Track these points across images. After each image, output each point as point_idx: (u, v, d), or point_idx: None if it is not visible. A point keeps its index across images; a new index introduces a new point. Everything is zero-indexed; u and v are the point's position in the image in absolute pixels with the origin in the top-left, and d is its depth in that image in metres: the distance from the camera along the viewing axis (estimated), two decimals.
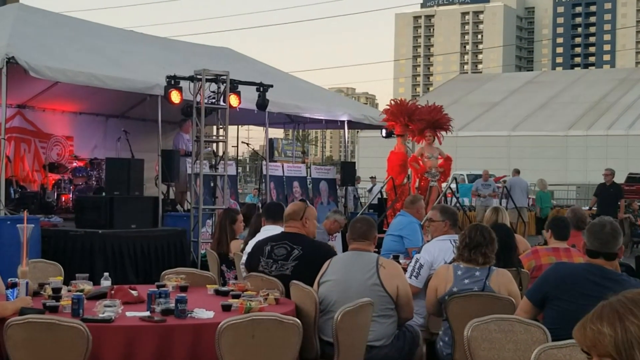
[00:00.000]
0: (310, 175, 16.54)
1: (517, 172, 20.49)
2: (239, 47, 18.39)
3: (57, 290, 4.94)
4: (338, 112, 15.79)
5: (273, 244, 5.77)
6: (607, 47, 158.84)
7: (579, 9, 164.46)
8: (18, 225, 5.03)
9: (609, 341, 1.86)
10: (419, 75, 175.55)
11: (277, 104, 13.25)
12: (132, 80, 11.52)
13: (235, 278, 6.88)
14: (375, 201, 17.28)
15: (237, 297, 5.03)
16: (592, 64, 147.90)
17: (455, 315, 5.16)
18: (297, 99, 14.76)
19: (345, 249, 6.19)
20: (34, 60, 10.06)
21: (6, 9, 15.26)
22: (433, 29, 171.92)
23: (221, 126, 12.01)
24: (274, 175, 15.00)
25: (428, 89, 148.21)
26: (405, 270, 5.96)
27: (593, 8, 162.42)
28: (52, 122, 14.51)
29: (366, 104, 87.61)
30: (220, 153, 12.25)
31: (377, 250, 5.70)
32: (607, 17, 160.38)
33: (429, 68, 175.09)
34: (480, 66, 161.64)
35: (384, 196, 15.95)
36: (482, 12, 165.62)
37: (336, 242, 11.39)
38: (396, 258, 7.10)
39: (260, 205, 11.15)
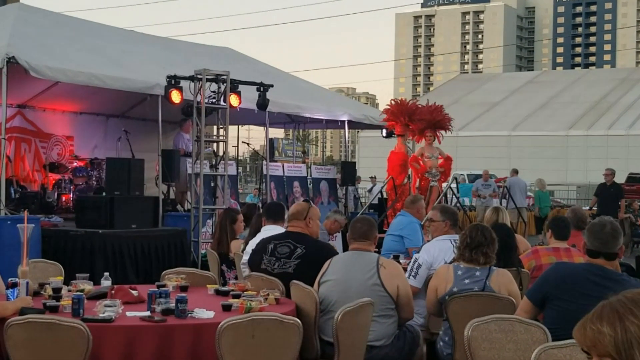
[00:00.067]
0: (311, 175, 16.54)
1: (515, 172, 20.48)
2: (239, 47, 18.38)
3: (57, 290, 4.94)
4: (338, 112, 15.80)
5: (276, 242, 5.80)
6: (607, 47, 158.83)
7: (579, 9, 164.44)
8: (18, 225, 5.03)
9: (608, 341, 1.86)
10: (419, 75, 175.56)
11: (277, 103, 13.25)
12: (132, 80, 11.52)
13: (236, 278, 6.88)
14: (376, 201, 17.28)
15: (237, 297, 5.04)
16: (593, 64, 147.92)
17: (455, 315, 5.16)
18: (297, 99, 14.76)
19: (345, 248, 6.20)
20: (35, 60, 10.06)
21: (6, 8, 15.27)
22: (433, 29, 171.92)
23: (221, 126, 12.01)
24: (275, 175, 15.00)
25: (428, 88, 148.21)
26: (405, 270, 5.96)
27: (593, 8, 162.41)
28: (53, 121, 14.51)
29: (366, 103, 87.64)
30: (221, 153, 12.26)
31: (377, 250, 5.70)
32: (608, 16, 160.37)
33: (429, 68, 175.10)
34: (480, 66, 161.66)
35: (384, 196, 15.95)
36: (482, 11, 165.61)
37: (336, 242, 11.39)
38: (396, 258, 7.10)
39: (260, 205, 11.16)
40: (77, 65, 11.00)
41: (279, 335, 4.34)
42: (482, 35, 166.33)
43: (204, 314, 4.66)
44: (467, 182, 29.70)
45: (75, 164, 14.01)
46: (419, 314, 5.86)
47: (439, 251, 6.19)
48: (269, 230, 6.50)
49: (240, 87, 11.76)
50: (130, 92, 11.99)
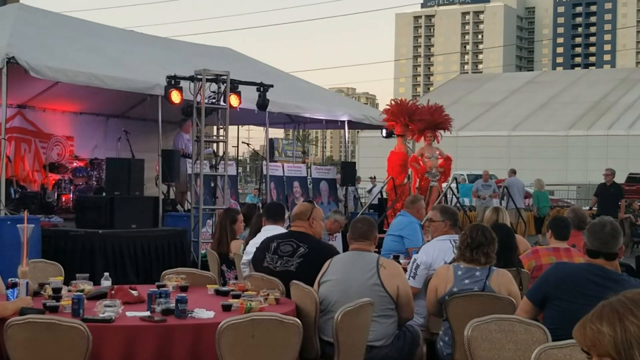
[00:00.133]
0: (311, 175, 16.55)
1: (513, 172, 20.47)
2: (239, 47, 18.37)
3: (57, 290, 4.94)
4: (338, 112, 15.80)
5: (279, 240, 5.83)
6: (607, 47, 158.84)
7: (579, 9, 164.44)
8: (18, 225, 5.03)
9: (608, 341, 1.86)
10: (419, 75, 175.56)
11: (277, 104, 13.25)
12: (132, 80, 11.52)
13: (236, 278, 6.89)
14: (376, 201, 17.28)
15: (237, 297, 5.04)
16: (593, 64, 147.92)
17: (455, 315, 5.16)
18: (297, 99, 14.76)
19: (345, 249, 6.20)
20: (35, 60, 10.06)
21: (6, 8, 15.27)
22: (433, 29, 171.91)
23: (221, 126, 12.01)
24: (274, 175, 15.00)
25: (428, 89, 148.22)
26: (405, 270, 5.96)
27: (593, 8, 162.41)
28: (53, 122, 14.51)
29: (366, 104, 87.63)
30: (221, 153, 12.26)
31: (377, 250, 5.70)
32: (608, 17, 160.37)
33: (429, 68, 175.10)
34: (480, 66, 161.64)
35: (384, 196, 15.95)
36: (482, 12, 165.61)
37: (336, 242, 11.38)
38: (396, 258, 7.10)
39: (260, 206, 11.16)
40: (77, 65, 11.00)
41: (279, 336, 4.34)
42: (482, 36, 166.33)
43: (204, 314, 4.66)
44: (467, 182, 29.69)
45: (75, 164, 14.01)
46: (419, 314, 5.86)
47: (438, 251, 6.19)
48: (269, 230, 6.51)
49: (240, 87, 11.76)
50: (130, 92, 11.99)
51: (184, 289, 5.52)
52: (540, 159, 40.81)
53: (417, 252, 6.53)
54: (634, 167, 32.67)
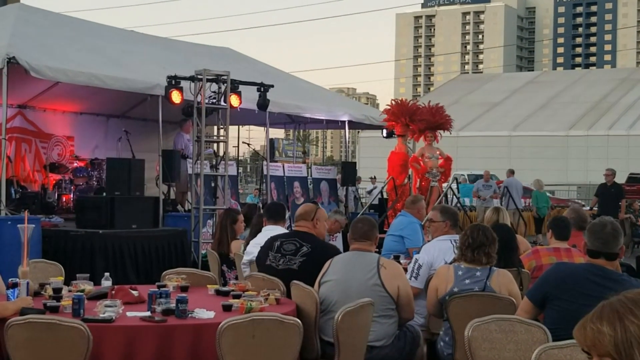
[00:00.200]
0: (311, 176, 16.53)
1: (511, 172, 20.46)
2: (239, 47, 18.37)
3: (57, 291, 4.94)
4: (339, 112, 15.79)
5: (283, 239, 5.87)
6: (608, 47, 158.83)
7: (579, 9, 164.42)
8: (19, 226, 5.03)
9: (608, 341, 1.86)
10: (419, 75, 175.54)
11: (277, 104, 13.25)
12: (132, 80, 11.52)
13: (236, 278, 6.89)
14: (376, 201, 17.28)
15: (237, 297, 5.04)
16: (593, 64, 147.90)
17: (455, 315, 5.16)
18: (297, 99, 14.76)
19: (346, 249, 6.21)
20: (35, 60, 10.06)
21: (7, 9, 15.27)
22: (434, 29, 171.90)
23: (222, 126, 12.01)
24: (275, 175, 14.99)
25: (429, 89, 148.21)
26: (405, 270, 5.96)
27: (594, 8, 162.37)
28: (53, 122, 14.51)
29: (367, 104, 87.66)
30: (221, 153, 12.26)
31: (377, 250, 5.70)
32: (608, 17, 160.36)
33: (429, 68, 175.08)
34: (481, 66, 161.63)
35: (384, 196, 15.96)
36: (482, 12, 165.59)
37: (337, 242, 11.39)
38: (397, 258, 7.10)
39: (261, 206, 11.16)
40: (77, 65, 11.00)
41: (280, 336, 4.34)
42: (483, 36, 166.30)
43: (204, 314, 4.66)
44: (467, 182, 29.69)
45: (75, 164, 14.02)
46: (420, 314, 5.86)
47: (438, 251, 6.19)
48: (270, 230, 6.52)
49: (241, 88, 11.77)
50: (131, 93, 11.99)
51: (184, 289, 5.52)
52: (540, 159, 40.83)
53: (417, 252, 6.53)
54: (635, 167, 32.68)
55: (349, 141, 18.34)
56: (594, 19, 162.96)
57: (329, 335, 4.94)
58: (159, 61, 13.41)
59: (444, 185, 15.02)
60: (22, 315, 4.27)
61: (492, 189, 20.96)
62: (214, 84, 11.56)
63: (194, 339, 4.41)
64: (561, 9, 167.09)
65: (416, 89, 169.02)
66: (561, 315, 4.26)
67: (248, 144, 18.70)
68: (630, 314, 1.87)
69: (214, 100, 11.60)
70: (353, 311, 4.79)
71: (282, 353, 4.38)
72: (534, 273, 6.00)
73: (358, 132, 40.96)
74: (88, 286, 5.26)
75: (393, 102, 14.87)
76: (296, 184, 15.37)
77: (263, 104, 12.37)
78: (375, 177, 25.90)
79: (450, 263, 5.52)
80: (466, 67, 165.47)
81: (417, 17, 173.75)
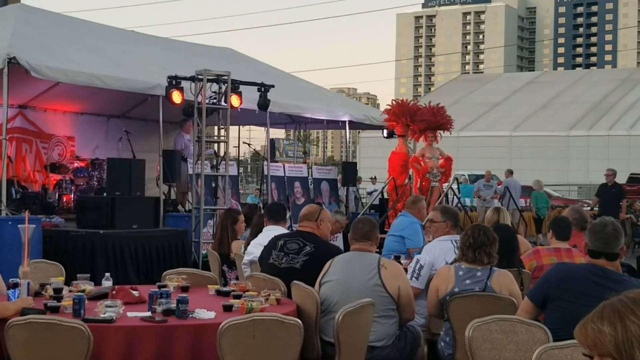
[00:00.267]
0: (312, 176, 16.53)
1: (510, 172, 20.44)
2: (239, 47, 18.39)
3: (58, 291, 4.94)
4: (339, 113, 15.80)
5: (287, 239, 5.89)
6: (608, 47, 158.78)
7: (580, 9, 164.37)
8: (19, 226, 5.03)
9: (609, 340, 1.86)
10: (420, 75, 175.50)
11: (278, 104, 13.25)
12: (133, 81, 11.52)
13: (237, 278, 6.89)
14: (376, 201, 17.28)
15: (238, 297, 5.04)
16: (594, 64, 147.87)
17: (456, 315, 5.15)
18: (298, 99, 14.76)
19: (346, 249, 6.21)
20: (35, 61, 10.06)
21: (7, 9, 15.28)
22: (434, 29, 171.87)
23: (222, 126, 12.01)
24: (275, 175, 14.99)
25: (429, 89, 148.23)
26: (406, 270, 5.96)
27: (594, 8, 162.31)
28: (54, 122, 14.52)
29: (367, 104, 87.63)
30: (222, 153, 12.26)
31: (378, 250, 5.70)
32: (609, 17, 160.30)
33: (430, 68, 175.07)
34: (481, 66, 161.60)
35: (385, 196, 15.95)
36: (483, 12, 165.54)
37: (337, 242, 11.40)
38: (397, 258, 7.10)
39: (261, 206, 11.16)
40: (77, 65, 11.00)
41: (280, 336, 4.34)
42: (483, 36, 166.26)
43: (204, 314, 4.66)
44: (468, 182, 29.69)
45: (76, 164, 14.02)
46: (420, 314, 5.86)
47: (439, 251, 6.19)
48: (271, 230, 6.53)
49: (241, 88, 11.77)
50: (131, 93, 11.99)
51: (185, 289, 5.52)
52: (541, 159, 40.84)
53: (418, 253, 6.53)
54: (635, 168, 32.65)
55: (349, 141, 18.33)
56: (594, 19, 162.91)
57: (330, 336, 4.94)
58: (159, 61, 13.42)
59: (445, 185, 15.02)
60: (23, 316, 4.27)
61: (492, 189, 20.93)
62: (214, 84, 11.56)
63: (194, 339, 4.41)
64: (562, 9, 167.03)
65: (417, 89, 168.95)
66: (562, 315, 4.26)
67: (249, 144, 18.71)
68: (631, 314, 1.87)
69: (215, 101, 11.60)
70: (354, 311, 4.79)
71: (283, 353, 4.38)
72: (535, 273, 6.00)
73: (359, 132, 40.95)
74: (89, 286, 5.26)
75: (394, 102, 14.87)
76: (297, 184, 15.37)
77: (263, 104, 12.37)
78: (375, 177, 25.89)
79: (451, 263, 5.52)
80: (467, 67, 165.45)
81: (418, 17, 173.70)
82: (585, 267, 4.36)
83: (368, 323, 4.97)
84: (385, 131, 15.72)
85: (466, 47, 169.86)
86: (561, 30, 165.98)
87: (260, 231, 6.86)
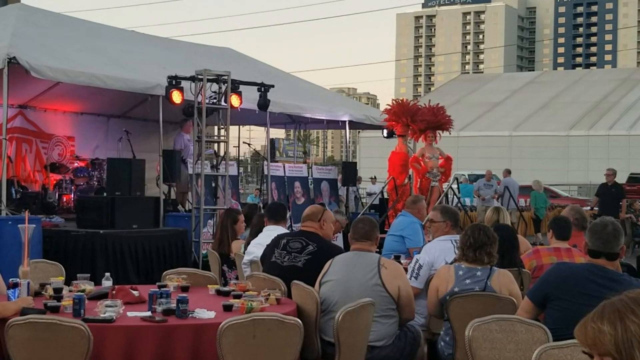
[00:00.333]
0: (312, 176, 16.53)
1: (508, 172, 20.43)
2: (239, 47, 18.41)
3: (58, 291, 4.94)
4: (339, 112, 15.80)
5: (289, 238, 5.91)
6: (608, 47, 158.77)
7: (580, 9, 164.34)
8: (19, 226, 5.03)
9: (609, 340, 1.86)
10: (420, 75, 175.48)
11: (278, 104, 13.25)
12: (133, 81, 11.53)
13: (237, 278, 6.89)
14: (376, 201, 17.28)
15: (238, 297, 5.04)
16: (594, 64, 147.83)
17: (456, 315, 5.16)
18: (298, 99, 14.77)
19: (346, 249, 6.22)
20: (35, 61, 10.07)
21: (7, 9, 15.27)
22: (434, 29, 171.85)
23: (222, 126, 12.02)
24: (276, 175, 14.99)
25: (429, 89, 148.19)
26: (406, 270, 5.96)
27: (594, 8, 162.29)
28: (54, 122, 14.52)
29: (367, 104, 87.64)
30: (222, 153, 12.27)
31: (378, 250, 5.71)
32: (609, 17, 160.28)
33: (430, 68, 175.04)
34: (481, 66, 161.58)
35: (385, 196, 15.95)
36: (483, 12, 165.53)
37: (337, 242, 11.38)
38: (397, 258, 7.10)
39: (261, 206, 11.16)
40: (78, 65, 11.01)
41: (280, 336, 4.34)
42: (483, 36, 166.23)
43: (204, 314, 4.66)
44: (468, 182, 29.70)
45: (76, 164, 14.03)
46: (420, 314, 5.86)
47: (439, 251, 6.19)
48: (271, 230, 6.53)
49: (241, 88, 11.77)
50: (131, 93, 12.00)
51: (185, 289, 5.52)
52: (541, 159, 40.84)
53: (418, 253, 6.53)
54: (635, 167, 32.67)
55: (349, 141, 18.34)
56: (594, 19, 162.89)
57: (330, 335, 4.94)
58: (159, 61, 13.42)
59: (445, 185, 15.02)
60: (23, 315, 4.27)
61: (493, 188, 20.93)
62: (214, 84, 11.56)
63: (194, 339, 4.41)
64: (562, 9, 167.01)
65: (417, 89, 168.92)
66: (562, 315, 4.26)
67: (249, 144, 18.70)
68: (631, 314, 1.88)
69: (215, 101, 11.61)
70: (354, 311, 4.79)
71: (283, 353, 4.38)
72: (535, 273, 6.00)
73: (359, 132, 40.96)
74: (89, 286, 5.26)
75: (394, 102, 14.87)
76: (297, 184, 15.37)
77: (263, 104, 12.37)
78: (375, 177, 25.88)
79: (451, 263, 5.52)
80: (467, 67, 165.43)
81: (418, 17, 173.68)
82: (585, 267, 4.36)
83: (368, 323, 4.97)
84: (385, 131, 15.72)
85: (466, 47, 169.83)
86: (561, 30, 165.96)
87: (260, 231, 6.87)
